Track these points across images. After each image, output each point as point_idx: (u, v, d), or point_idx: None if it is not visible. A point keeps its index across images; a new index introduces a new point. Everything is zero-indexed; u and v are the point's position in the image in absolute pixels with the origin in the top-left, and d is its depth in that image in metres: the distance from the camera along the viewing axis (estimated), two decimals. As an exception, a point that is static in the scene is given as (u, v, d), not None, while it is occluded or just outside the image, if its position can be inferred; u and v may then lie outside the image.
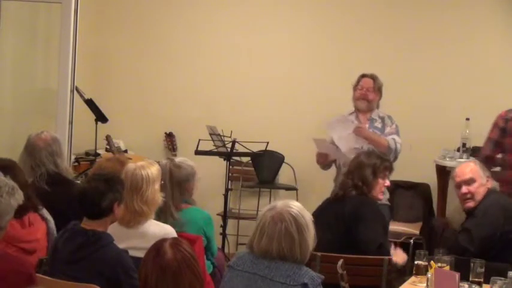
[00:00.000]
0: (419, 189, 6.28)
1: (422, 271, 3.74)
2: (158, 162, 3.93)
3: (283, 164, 6.64)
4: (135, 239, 3.55)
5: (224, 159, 5.81)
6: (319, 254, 3.91)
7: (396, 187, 5.99)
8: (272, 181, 6.63)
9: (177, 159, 4.23)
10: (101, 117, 6.12)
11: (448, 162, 5.80)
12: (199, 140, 5.50)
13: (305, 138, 6.62)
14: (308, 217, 2.91)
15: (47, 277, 3.20)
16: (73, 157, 6.02)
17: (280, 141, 6.44)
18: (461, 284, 3.40)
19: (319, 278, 2.85)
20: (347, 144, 5.12)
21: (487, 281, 3.51)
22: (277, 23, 6.80)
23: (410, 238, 5.95)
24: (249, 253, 2.93)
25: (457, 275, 3.30)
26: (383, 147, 5.04)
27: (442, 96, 6.53)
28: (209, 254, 4.16)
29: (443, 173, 5.97)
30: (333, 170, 5.59)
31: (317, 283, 2.83)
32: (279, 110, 6.75)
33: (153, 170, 3.69)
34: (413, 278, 3.78)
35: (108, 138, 6.07)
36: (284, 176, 6.70)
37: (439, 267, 3.49)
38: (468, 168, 4.12)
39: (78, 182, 4.85)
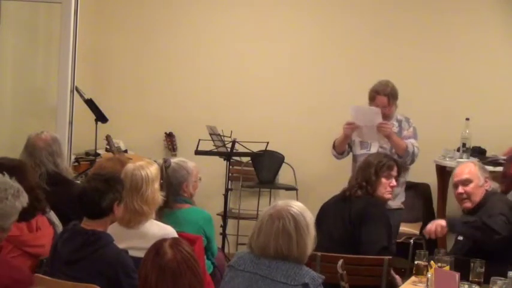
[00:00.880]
0: (419, 189, 6.28)
1: (422, 271, 3.74)
2: (155, 161, 3.92)
3: (283, 164, 6.64)
4: (135, 239, 3.55)
5: (224, 159, 5.81)
6: (319, 254, 3.91)
7: (396, 187, 5.99)
8: (272, 181, 6.63)
9: (174, 160, 4.22)
10: (101, 117, 6.12)
11: (448, 162, 5.80)
12: (199, 140, 5.50)
13: (305, 138, 6.65)
14: (309, 218, 2.90)
15: (47, 277, 3.19)
16: (73, 157, 6.02)
17: (280, 141, 6.44)
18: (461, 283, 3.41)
19: (320, 278, 2.85)
20: (368, 136, 5.07)
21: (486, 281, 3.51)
22: (277, 23, 6.79)
23: (410, 238, 5.95)
24: (249, 253, 2.93)
25: (457, 275, 3.30)
26: (402, 150, 5.01)
27: (442, 96, 6.53)
28: (209, 254, 4.16)
29: (443, 173, 5.97)
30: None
31: (318, 283, 2.83)
32: (279, 110, 6.75)
33: (152, 170, 3.69)
34: (413, 278, 3.78)
35: (108, 138, 6.07)
36: (284, 176, 6.70)
37: (439, 267, 3.49)
38: (467, 169, 4.12)
39: (78, 182, 4.85)
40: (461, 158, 5.80)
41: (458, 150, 5.93)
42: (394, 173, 4.40)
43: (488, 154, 6.09)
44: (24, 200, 3.02)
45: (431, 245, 5.00)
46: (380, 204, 4.29)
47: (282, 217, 2.85)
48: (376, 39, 6.64)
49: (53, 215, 3.82)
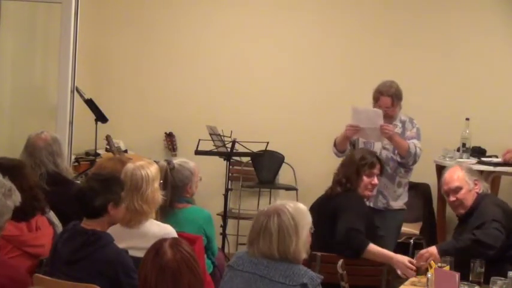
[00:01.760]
0: (419, 189, 6.28)
1: (422, 271, 3.74)
2: (157, 163, 3.92)
3: (283, 164, 6.64)
4: (135, 238, 3.55)
5: (224, 159, 5.81)
6: (319, 254, 3.91)
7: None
8: (272, 181, 6.63)
9: (176, 161, 4.22)
10: (101, 117, 6.12)
11: (448, 162, 5.79)
12: (199, 140, 5.50)
13: (305, 138, 6.65)
14: (299, 219, 2.88)
15: (47, 277, 3.19)
16: (73, 157, 6.02)
17: (280, 141, 6.44)
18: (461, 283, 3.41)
19: (318, 278, 2.85)
20: (370, 136, 5.05)
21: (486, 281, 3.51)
22: (278, 23, 6.79)
23: (410, 238, 5.95)
24: (248, 253, 2.93)
25: (457, 275, 3.30)
26: (404, 150, 4.97)
27: (442, 96, 6.53)
28: (209, 253, 4.16)
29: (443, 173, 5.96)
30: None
31: (316, 283, 2.83)
32: (279, 110, 6.75)
33: (152, 169, 3.69)
34: (413, 278, 3.78)
35: (108, 138, 6.07)
36: (284, 176, 6.70)
37: (439, 267, 3.49)
38: (455, 176, 4.07)
39: (78, 182, 4.85)
40: (461, 158, 5.81)
41: (458, 150, 5.93)
42: (376, 171, 4.36)
43: (488, 154, 6.10)
44: (16, 198, 3.01)
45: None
46: (356, 195, 4.26)
47: (276, 219, 2.85)
48: (376, 40, 6.64)
49: (52, 215, 3.82)
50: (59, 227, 3.77)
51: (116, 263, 3.17)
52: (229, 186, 6.05)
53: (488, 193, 4.19)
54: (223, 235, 5.82)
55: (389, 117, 5.04)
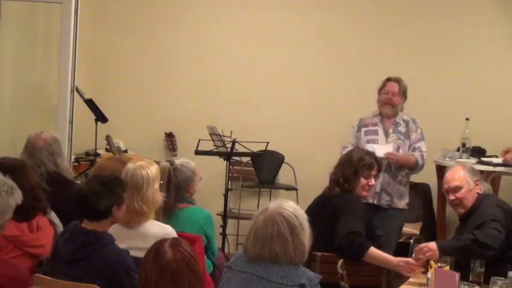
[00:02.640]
0: (419, 189, 6.28)
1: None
2: (158, 163, 3.92)
3: (283, 164, 6.64)
4: (135, 239, 3.55)
5: (224, 159, 5.81)
6: (319, 254, 3.91)
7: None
8: (272, 181, 6.64)
9: (178, 161, 4.22)
10: (101, 117, 6.12)
11: (448, 162, 5.79)
12: (199, 140, 5.50)
13: (305, 138, 6.65)
14: (302, 217, 2.87)
15: (47, 277, 3.19)
16: (73, 157, 6.02)
17: (280, 141, 6.44)
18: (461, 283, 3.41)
19: (317, 277, 2.84)
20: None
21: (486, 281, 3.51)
22: (278, 24, 6.79)
23: (410, 238, 5.94)
24: (245, 254, 2.92)
25: (457, 275, 3.30)
26: (411, 164, 5.15)
27: (442, 96, 6.53)
28: (209, 253, 4.16)
29: (443, 173, 5.95)
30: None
31: (314, 283, 2.81)
32: (279, 110, 6.75)
33: (153, 170, 3.68)
34: (413, 278, 3.78)
35: (108, 138, 6.07)
36: (284, 176, 6.70)
37: (439, 267, 3.49)
38: (456, 175, 4.07)
39: (78, 182, 4.85)
40: (461, 158, 5.80)
41: (458, 150, 5.93)
42: (374, 172, 4.36)
43: (488, 154, 6.09)
44: (18, 197, 3.02)
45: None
46: (354, 197, 4.25)
47: (276, 222, 2.82)
48: (376, 40, 6.64)
49: (53, 215, 3.82)
50: (60, 228, 3.77)
51: (117, 263, 3.17)
52: (229, 186, 6.06)
53: (490, 194, 4.19)
54: (223, 235, 5.82)
55: (392, 110, 5.10)
